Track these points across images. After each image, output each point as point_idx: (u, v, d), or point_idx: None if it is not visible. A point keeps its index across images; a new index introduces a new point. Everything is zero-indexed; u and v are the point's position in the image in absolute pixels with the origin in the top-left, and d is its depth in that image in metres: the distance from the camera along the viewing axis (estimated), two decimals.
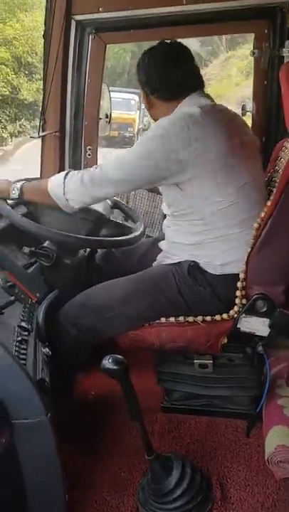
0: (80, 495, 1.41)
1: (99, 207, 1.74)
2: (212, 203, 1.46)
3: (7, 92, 12.65)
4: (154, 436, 1.62)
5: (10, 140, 13.19)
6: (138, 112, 14.20)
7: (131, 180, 1.52)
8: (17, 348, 1.17)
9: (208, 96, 1.58)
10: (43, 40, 2.07)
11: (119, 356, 1.23)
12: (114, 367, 1.20)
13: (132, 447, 1.56)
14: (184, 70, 1.54)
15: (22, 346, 1.20)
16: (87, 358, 1.63)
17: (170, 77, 1.53)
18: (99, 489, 1.45)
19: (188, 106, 1.49)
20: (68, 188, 1.51)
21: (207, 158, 1.42)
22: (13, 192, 1.59)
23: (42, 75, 2.16)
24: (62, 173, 1.55)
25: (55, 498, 1.18)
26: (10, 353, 1.09)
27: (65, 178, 1.53)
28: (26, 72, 13.67)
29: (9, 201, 1.64)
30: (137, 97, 13.51)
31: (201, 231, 1.50)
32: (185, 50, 1.57)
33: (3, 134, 12.84)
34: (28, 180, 1.72)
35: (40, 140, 2.18)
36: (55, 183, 1.54)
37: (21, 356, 1.15)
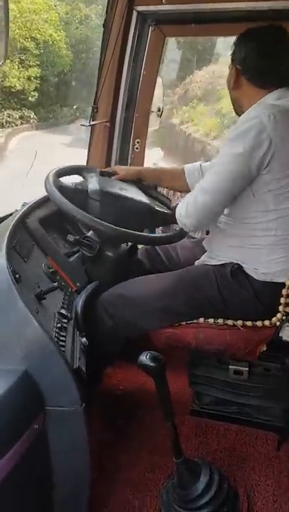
0: (103, 489, 1.39)
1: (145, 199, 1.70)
2: (276, 211, 1.39)
3: None
4: (180, 439, 1.58)
5: None
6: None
7: (224, 187, 1.40)
8: (56, 334, 1.16)
9: None
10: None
11: (157, 353, 1.19)
12: (152, 364, 1.16)
13: (158, 447, 1.53)
14: (286, 59, 1.43)
15: (61, 333, 1.18)
16: (120, 351, 1.60)
17: (271, 64, 1.43)
18: (122, 486, 1.43)
19: (275, 99, 1.40)
20: (181, 214, 1.48)
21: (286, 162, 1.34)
22: None
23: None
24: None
25: (81, 488, 1.16)
26: (51, 338, 1.08)
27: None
28: (22, 58, 12.16)
29: None
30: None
31: (252, 235, 1.44)
32: None
33: None
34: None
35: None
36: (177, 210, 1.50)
37: (60, 343, 1.14)
